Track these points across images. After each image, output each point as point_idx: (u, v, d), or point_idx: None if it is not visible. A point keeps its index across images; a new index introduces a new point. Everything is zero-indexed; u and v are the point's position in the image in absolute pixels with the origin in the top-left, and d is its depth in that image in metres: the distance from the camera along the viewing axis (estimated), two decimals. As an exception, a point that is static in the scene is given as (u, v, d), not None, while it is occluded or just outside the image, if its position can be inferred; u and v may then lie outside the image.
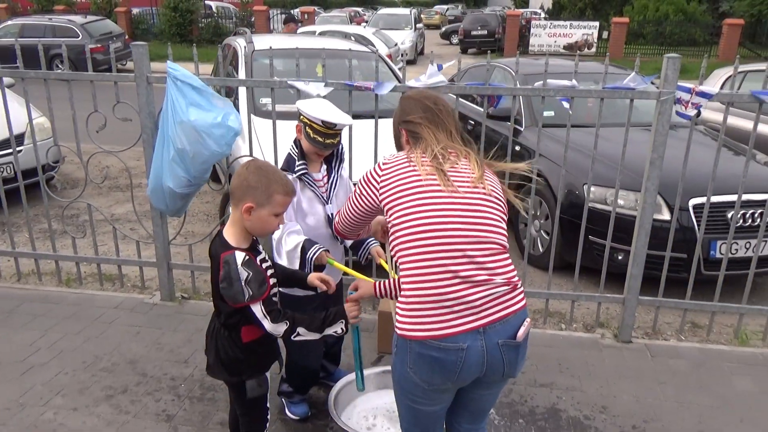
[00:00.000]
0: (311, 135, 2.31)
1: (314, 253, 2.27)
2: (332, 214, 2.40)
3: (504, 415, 2.79)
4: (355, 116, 3.34)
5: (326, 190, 2.45)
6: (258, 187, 1.86)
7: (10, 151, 3.77)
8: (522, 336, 1.68)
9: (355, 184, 2.06)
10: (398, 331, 1.69)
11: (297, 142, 2.43)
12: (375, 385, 2.79)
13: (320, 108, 2.34)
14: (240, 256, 1.86)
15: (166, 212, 3.51)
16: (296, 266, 2.28)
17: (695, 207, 3.89)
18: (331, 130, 2.31)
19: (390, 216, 1.77)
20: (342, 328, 2.04)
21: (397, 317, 1.69)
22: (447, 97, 6.83)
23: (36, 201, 5.24)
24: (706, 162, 3.63)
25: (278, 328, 1.94)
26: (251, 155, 3.52)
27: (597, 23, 20.74)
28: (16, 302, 3.75)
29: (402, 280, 1.72)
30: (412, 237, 1.70)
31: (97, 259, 3.93)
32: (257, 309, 1.90)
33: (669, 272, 3.50)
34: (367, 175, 1.89)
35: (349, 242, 2.57)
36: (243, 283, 1.84)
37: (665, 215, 3.90)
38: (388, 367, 2.86)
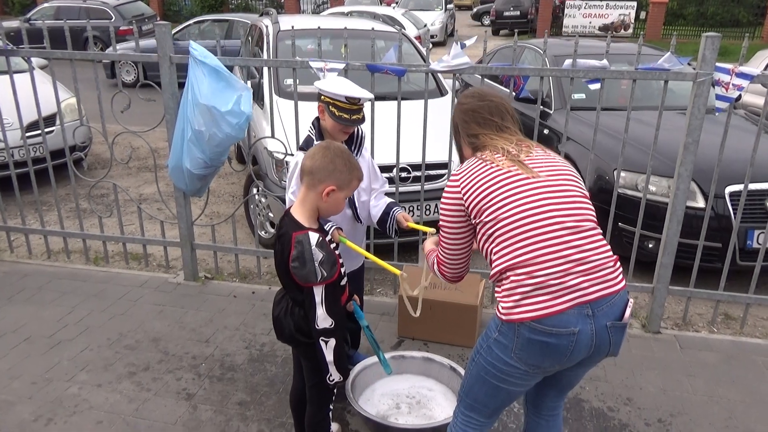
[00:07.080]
0: (336, 113, 2.28)
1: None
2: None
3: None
4: (379, 97, 3.29)
5: None
6: (343, 171, 1.89)
7: (40, 132, 3.81)
8: (628, 318, 1.73)
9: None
10: (505, 317, 1.68)
11: (315, 123, 2.39)
12: (393, 369, 2.77)
13: (341, 85, 2.32)
14: (314, 237, 1.85)
15: (186, 192, 3.53)
16: None
17: (732, 194, 3.73)
18: (355, 106, 2.29)
19: (481, 215, 1.76)
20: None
21: (502, 304, 1.70)
22: (473, 79, 6.56)
23: (66, 180, 5.33)
24: (745, 148, 3.47)
25: (324, 321, 1.88)
26: (273, 136, 3.50)
27: (634, 3, 20.02)
28: (46, 279, 3.84)
29: (502, 268, 1.71)
30: (512, 226, 1.70)
31: (122, 239, 3.98)
32: (318, 292, 1.86)
33: (702, 262, 3.37)
34: (445, 192, 1.84)
35: (375, 218, 2.54)
36: (317, 264, 1.82)
37: (700, 203, 3.76)
38: (406, 352, 2.87)
